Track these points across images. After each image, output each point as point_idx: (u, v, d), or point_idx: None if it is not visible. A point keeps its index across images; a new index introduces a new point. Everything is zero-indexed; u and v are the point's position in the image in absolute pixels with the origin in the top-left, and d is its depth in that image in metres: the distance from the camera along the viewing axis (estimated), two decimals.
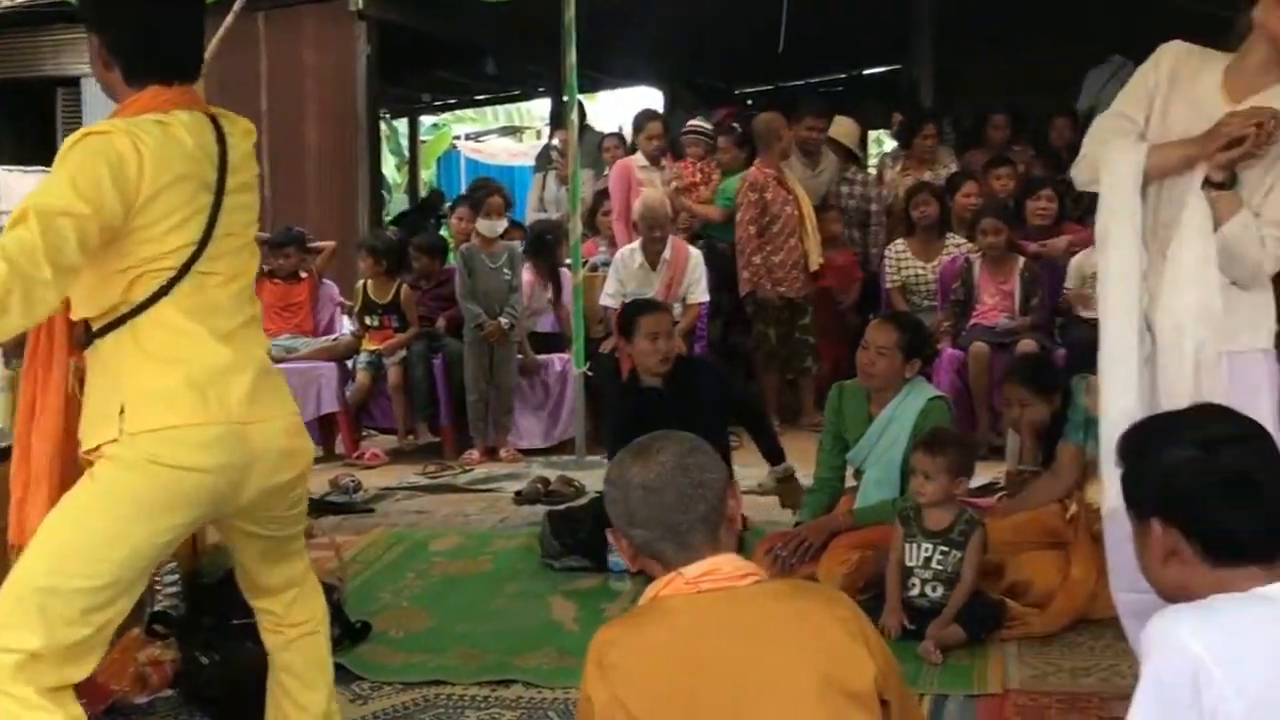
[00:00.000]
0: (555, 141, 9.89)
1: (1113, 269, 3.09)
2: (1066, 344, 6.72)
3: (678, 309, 7.10)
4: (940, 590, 4.08)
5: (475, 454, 7.28)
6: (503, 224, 7.40)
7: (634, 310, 5.37)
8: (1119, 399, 3.03)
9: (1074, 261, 6.97)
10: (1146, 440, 2.19)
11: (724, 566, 2.12)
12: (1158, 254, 3.06)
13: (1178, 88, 3.14)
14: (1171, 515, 2.09)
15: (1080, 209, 7.41)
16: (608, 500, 2.20)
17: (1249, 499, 2.03)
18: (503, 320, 7.23)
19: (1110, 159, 3.14)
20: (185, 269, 2.55)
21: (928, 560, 4.12)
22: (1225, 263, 3.00)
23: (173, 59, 2.65)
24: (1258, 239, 2.98)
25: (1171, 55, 3.18)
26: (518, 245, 7.65)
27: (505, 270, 7.35)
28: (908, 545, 4.17)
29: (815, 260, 7.69)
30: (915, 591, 4.12)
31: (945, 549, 4.10)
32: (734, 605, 2.09)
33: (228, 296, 2.64)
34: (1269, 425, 2.88)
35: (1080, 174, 3.28)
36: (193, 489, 2.53)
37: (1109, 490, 3.05)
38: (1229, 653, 1.90)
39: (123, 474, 2.49)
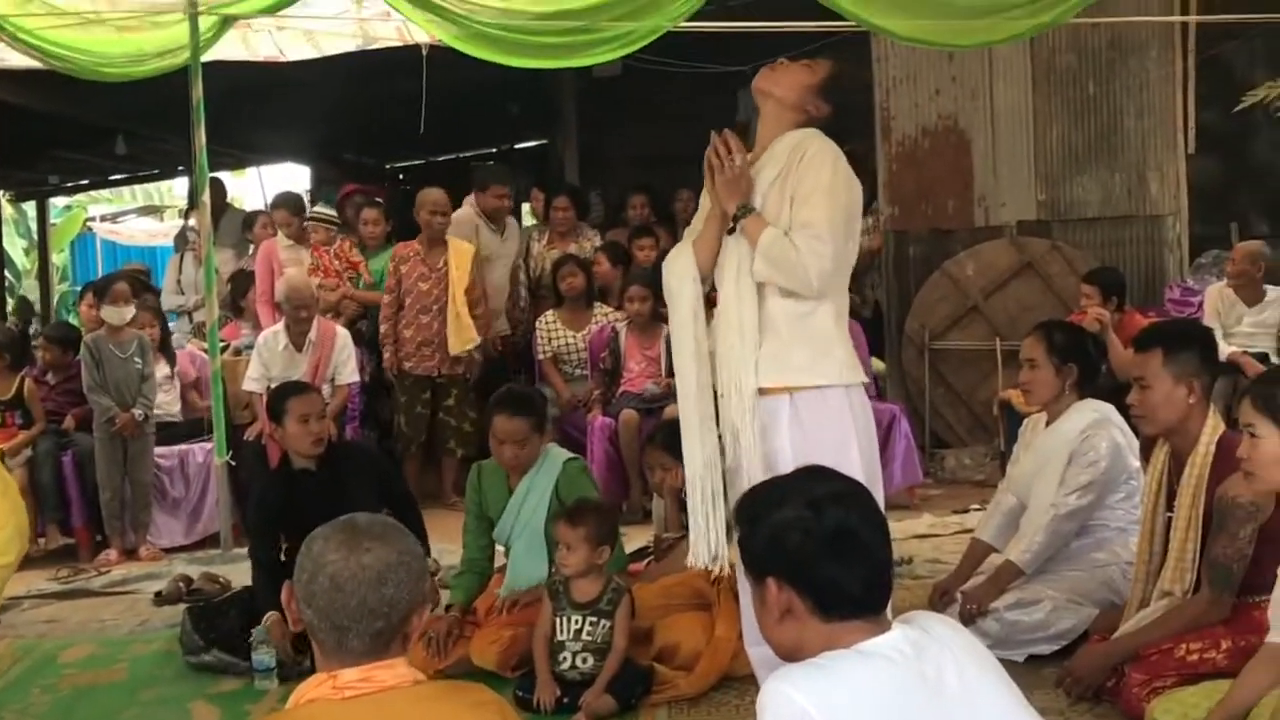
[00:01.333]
0: (192, 222, 9.52)
1: (682, 350, 3.59)
2: None
3: (327, 390, 6.95)
4: (591, 661, 4.10)
5: (112, 554, 6.85)
6: (130, 310, 7.02)
7: (283, 393, 5.20)
8: (699, 451, 3.50)
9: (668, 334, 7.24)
10: (757, 504, 2.29)
11: (384, 675, 2.05)
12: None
13: None
14: (784, 573, 2.18)
15: None
16: (298, 560, 2.09)
17: (853, 554, 2.15)
18: (136, 412, 6.86)
19: (668, 264, 3.65)
20: None
21: (578, 632, 4.14)
22: (772, 273, 3.40)
23: None
24: (789, 244, 3.37)
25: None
26: (146, 335, 7.25)
27: (136, 359, 6.98)
28: (557, 619, 4.18)
29: (455, 344, 7.51)
30: (567, 664, 4.13)
31: (594, 619, 4.13)
32: (378, 712, 2.02)
33: None
34: (841, 457, 3.25)
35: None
36: None
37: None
38: (837, 709, 2.00)
39: None
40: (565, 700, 4.05)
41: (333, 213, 8.44)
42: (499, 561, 4.95)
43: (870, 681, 2.03)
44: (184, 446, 7.33)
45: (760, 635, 2.88)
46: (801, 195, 3.42)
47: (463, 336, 7.53)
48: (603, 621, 4.13)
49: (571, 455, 4.90)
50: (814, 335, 3.45)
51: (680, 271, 3.59)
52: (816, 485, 2.24)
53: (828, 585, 2.14)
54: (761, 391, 3.45)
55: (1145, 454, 4.25)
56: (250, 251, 8.92)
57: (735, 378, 3.46)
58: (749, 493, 2.39)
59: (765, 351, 3.45)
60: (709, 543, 3.52)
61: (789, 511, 2.18)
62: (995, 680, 2.15)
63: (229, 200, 10.77)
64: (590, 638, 4.12)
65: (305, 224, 8.23)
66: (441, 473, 7.80)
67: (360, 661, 2.05)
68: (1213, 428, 3.87)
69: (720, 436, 3.52)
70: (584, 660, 4.11)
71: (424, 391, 7.65)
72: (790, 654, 2.22)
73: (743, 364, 3.44)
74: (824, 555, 2.14)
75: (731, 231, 3.48)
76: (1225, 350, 6.67)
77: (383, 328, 7.61)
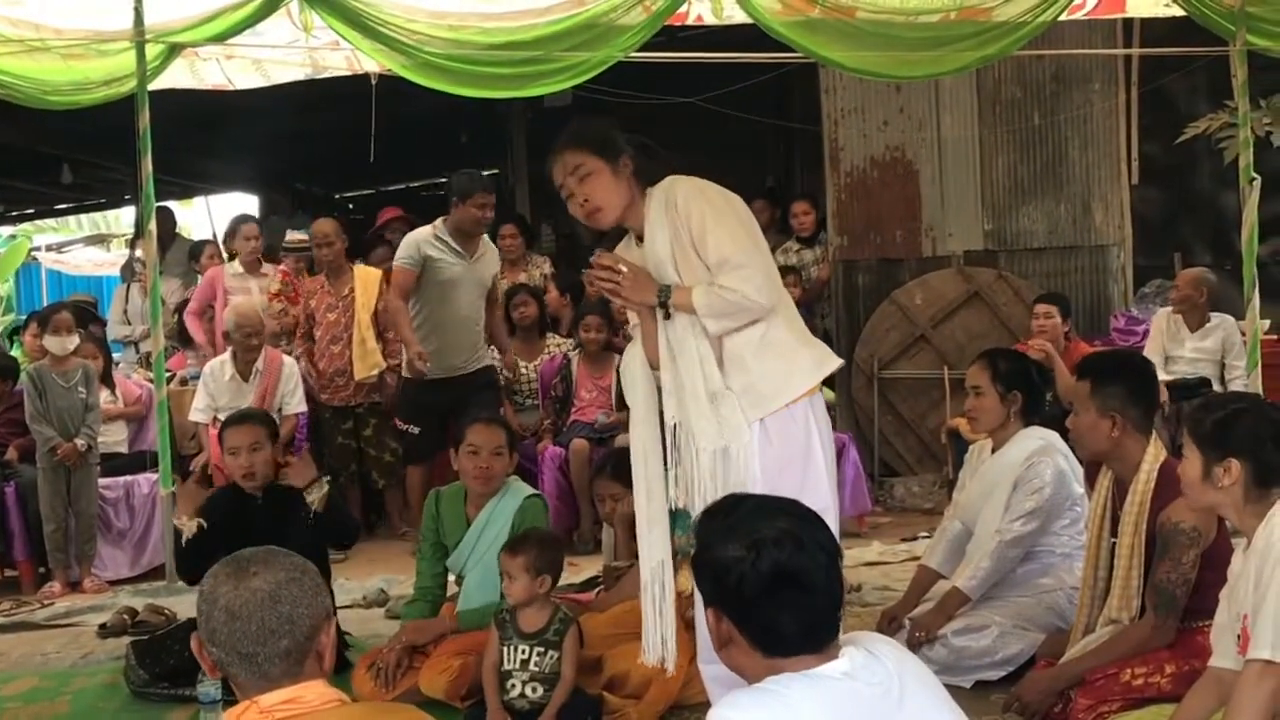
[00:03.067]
0: (138, 252, 9.43)
1: (636, 450, 3.69)
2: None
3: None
4: (540, 690, 4.08)
5: (56, 587, 6.75)
6: (74, 340, 6.94)
7: (226, 421, 5.20)
8: (655, 550, 3.60)
9: (621, 366, 7.23)
10: (708, 531, 2.27)
11: (306, 695, 2.06)
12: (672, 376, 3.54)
13: None
14: (724, 609, 2.18)
15: None
16: (196, 605, 2.12)
17: (793, 600, 2.12)
18: (79, 442, 6.77)
19: (625, 368, 3.81)
20: None
21: (525, 662, 4.11)
22: (725, 323, 3.45)
23: None
24: (719, 290, 3.40)
25: None
26: (91, 364, 7.17)
27: (80, 389, 6.90)
28: (504, 648, 4.15)
29: (359, 369, 7.43)
30: (515, 693, 4.10)
31: (541, 649, 4.11)
32: None
33: None
34: (808, 468, 3.38)
35: None
36: None
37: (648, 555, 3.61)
38: None
39: None
40: None
41: (305, 237, 8.38)
42: (451, 590, 4.93)
43: (819, 707, 2.03)
44: (129, 478, 7.24)
45: (710, 654, 2.91)
46: (699, 237, 3.45)
47: (367, 362, 7.46)
48: (550, 652, 4.11)
49: (534, 491, 4.90)
50: (779, 350, 3.48)
51: (634, 373, 3.68)
52: (763, 524, 2.19)
53: (765, 627, 2.14)
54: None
55: (1090, 480, 4.29)
56: (196, 281, 8.85)
57: (695, 433, 3.48)
58: (708, 511, 2.37)
59: (736, 388, 3.46)
60: (655, 642, 3.59)
61: (731, 550, 2.16)
62: (939, 702, 2.16)
63: (177, 230, 10.68)
64: (538, 668, 4.09)
65: (282, 251, 8.17)
66: (388, 504, 7.77)
67: (277, 685, 2.05)
68: (1154, 455, 3.91)
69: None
70: (533, 690, 4.08)
71: (345, 421, 7.59)
72: (737, 674, 2.23)
73: (698, 421, 3.47)
74: (761, 599, 2.13)
75: (668, 317, 3.49)
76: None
77: (299, 364, 7.55)
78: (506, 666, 4.13)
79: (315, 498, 4.88)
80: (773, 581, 2.12)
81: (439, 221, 6.92)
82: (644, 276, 3.51)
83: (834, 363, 3.61)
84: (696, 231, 3.45)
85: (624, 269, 3.48)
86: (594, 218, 3.58)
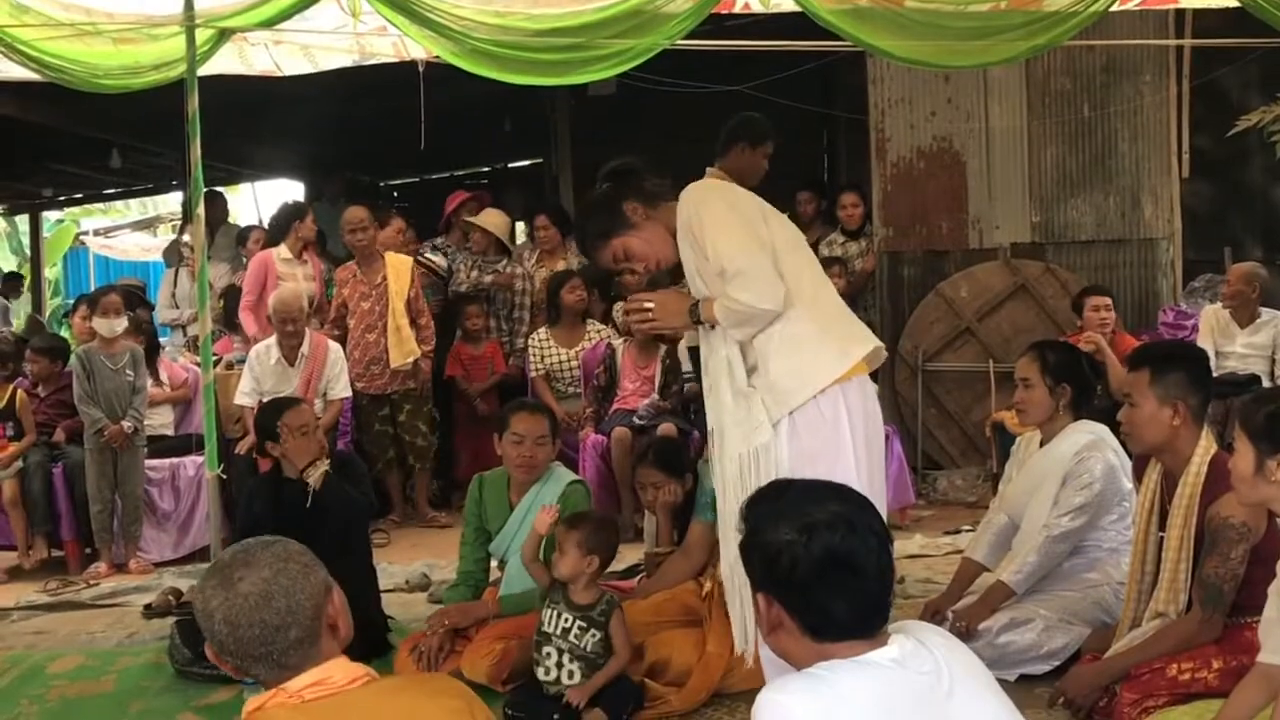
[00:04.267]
0: (186, 237, 9.50)
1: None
2: (700, 426, 6.94)
3: (319, 405, 6.93)
4: (578, 674, 4.08)
5: (102, 568, 6.83)
6: (122, 323, 7.01)
7: (278, 407, 5.22)
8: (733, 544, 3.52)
9: (682, 346, 7.21)
10: (756, 516, 2.24)
11: (333, 675, 2.06)
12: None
13: None
14: (773, 593, 2.15)
15: None
16: (199, 624, 2.10)
17: (845, 583, 2.10)
18: (126, 424, 6.84)
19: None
20: None
21: (566, 631, 4.13)
22: (744, 330, 3.49)
23: None
24: (728, 302, 3.44)
25: None
26: (138, 346, 7.25)
27: (128, 371, 6.97)
28: (549, 610, 4.17)
29: (395, 357, 7.50)
30: (552, 677, 4.10)
31: (584, 624, 4.12)
32: (340, 712, 2.02)
33: None
34: (835, 464, 3.33)
35: None
36: None
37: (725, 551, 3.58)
38: (830, 719, 1.97)
39: None
40: (556, 716, 4.02)
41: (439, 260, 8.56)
42: (494, 575, 4.95)
43: (867, 693, 2.01)
44: (174, 460, 7.30)
45: None
46: (706, 249, 3.49)
47: (403, 349, 7.52)
48: (593, 630, 4.11)
49: (576, 478, 4.91)
50: (798, 345, 3.46)
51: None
52: (814, 507, 2.17)
53: (816, 611, 2.11)
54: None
55: (1138, 474, 4.24)
56: (244, 266, 8.89)
57: (725, 435, 3.53)
58: (752, 498, 2.33)
59: (761, 387, 3.47)
60: (740, 632, 3.59)
61: (782, 534, 2.14)
62: (988, 690, 2.13)
63: (229, 215, 10.76)
64: (578, 642, 4.10)
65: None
66: (416, 490, 7.82)
67: (300, 670, 2.05)
68: (1205, 448, 3.86)
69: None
70: (570, 675, 4.08)
71: (382, 409, 7.64)
72: (785, 660, 2.21)
73: (730, 424, 3.51)
74: (813, 583, 2.10)
75: (712, 327, 3.56)
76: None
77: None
78: (546, 629, 4.14)
79: (314, 477, 4.92)
80: (825, 565, 2.09)
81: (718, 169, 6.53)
82: (672, 301, 3.62)
83: (860, 349, 3.54)
84: (702, 243, 3.49)
85: (649, 304, 3.61)
86: (659, 271, 3.77)
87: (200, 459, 7.02)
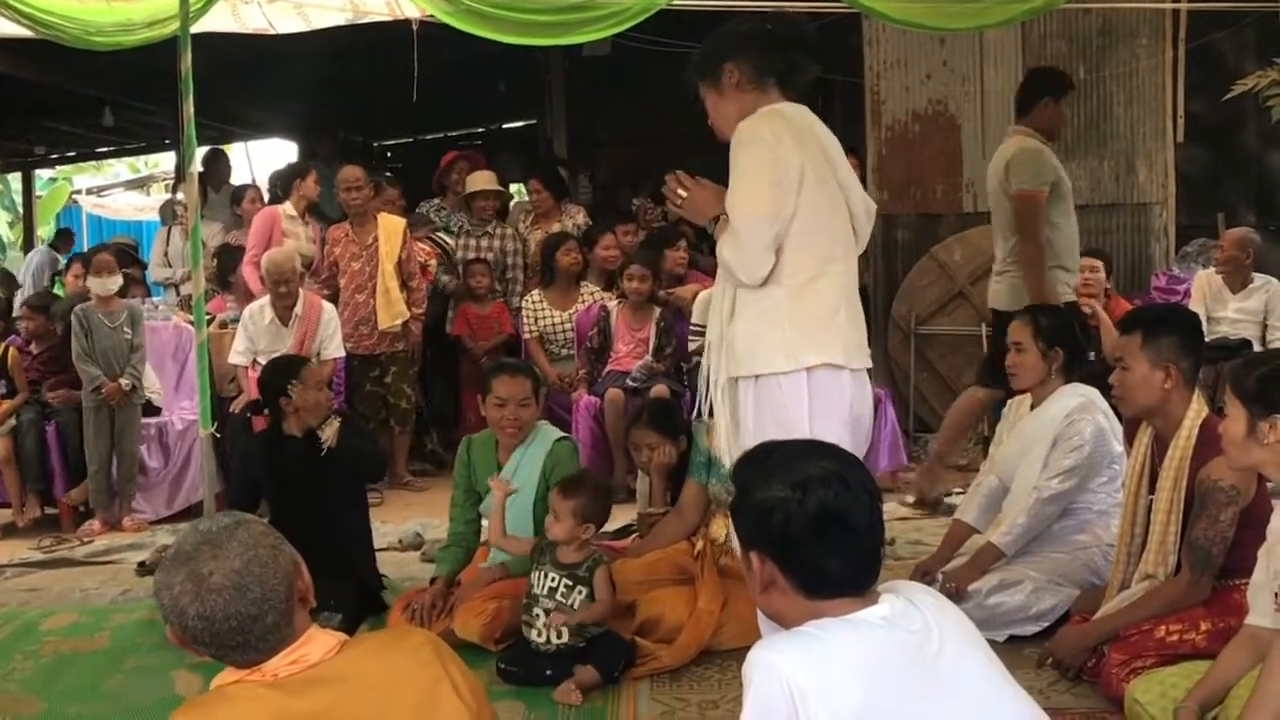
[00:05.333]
0: (179, 195, 9.46)
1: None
2: (693, 388, 6.95)
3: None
4: (565, 635, 4.12)
5: (96, 525, 6.84)
6: (117, 281, 6.99)
7: (292, 364, 5.25)
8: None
9: (700, 296, 7.21)
10: (747, 475, 2.26)
11: (309, 653, 2.06)
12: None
13: None
14: (767, 550, 2.17)
15: (706, 259, 7.74)
16: (166, 618, 2.06)
17: (838, 539, 2.12)
18: (123, 381, 6.84)
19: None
20: None
21: (553, 590, 4.17)
22: (725, 272, 3.48)
23: None
24: (726, 243, 3.41)
25: None
26: (139, 303, 7.25)
27: (126, 329, 6.96)
28: (536, 571, 4.21)
29: (383, 318, 7.49)
30: (542, 638, 4.14)
31: (570, 582, 4.17)
32: (313, 684, 2.04)
33: None
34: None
35: None
36: None
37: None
38: (823, 677, 1.99)
39: None
40: (549, 673, 4.06)
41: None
42: (484, 535, 4.97)
43: (857, 651, 2.03)
44: (161, 418, 7.31)
45: None
46: (729, 188, 3.43)
47: (391, 311, 7.50)
48: (579, 587, 4.16)
49: (562, 435, 4.92)
50: (762, 320, 3.39)
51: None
52: (807, 464, 2.18)
53: (810, 567, 2.13)
54: (734, 380, 3.46)
55: (1129, 437, 4.27)
56: (241, 226, 8.86)
57: (711, 360, 3.54)
58: (743, 458, 2.34)
59: (737, 335, 3.44)
60: None
61: (775, 490, 2.15)
62: (978, 650, 2.16)
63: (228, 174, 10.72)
64: (565, 600, 4.15)
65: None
66: (395, 452, 7.78)
67: (277, 650, 2.05)
68: (1196, 412, 3.89)
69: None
70: (558, 634, 4.13)
71: (372, 370, 7.63)
72: (776, 620, 2.23)
73: (714, 349, 3.51)
74: (807, 538, 2.11)
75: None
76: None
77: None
78: (535, 591, 4.18)
79: (328, 434, 4.93)
80: (819, 520, 2.11)
81: (1023, 126, 6.10)
82: (706, 198, 3.51)
83: (815, 358, 3.34)
84: (731, 177, 3.42)
85: (683, 192, 3.52)
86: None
87: (189, 416, 7.04)
